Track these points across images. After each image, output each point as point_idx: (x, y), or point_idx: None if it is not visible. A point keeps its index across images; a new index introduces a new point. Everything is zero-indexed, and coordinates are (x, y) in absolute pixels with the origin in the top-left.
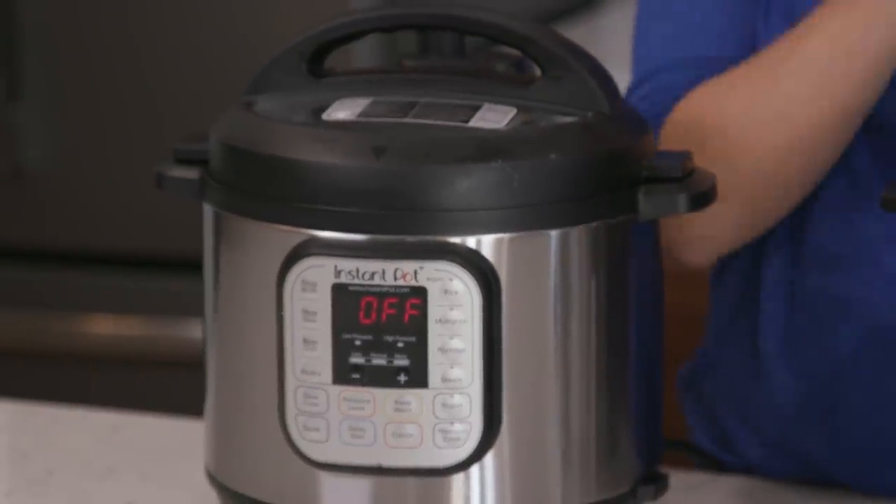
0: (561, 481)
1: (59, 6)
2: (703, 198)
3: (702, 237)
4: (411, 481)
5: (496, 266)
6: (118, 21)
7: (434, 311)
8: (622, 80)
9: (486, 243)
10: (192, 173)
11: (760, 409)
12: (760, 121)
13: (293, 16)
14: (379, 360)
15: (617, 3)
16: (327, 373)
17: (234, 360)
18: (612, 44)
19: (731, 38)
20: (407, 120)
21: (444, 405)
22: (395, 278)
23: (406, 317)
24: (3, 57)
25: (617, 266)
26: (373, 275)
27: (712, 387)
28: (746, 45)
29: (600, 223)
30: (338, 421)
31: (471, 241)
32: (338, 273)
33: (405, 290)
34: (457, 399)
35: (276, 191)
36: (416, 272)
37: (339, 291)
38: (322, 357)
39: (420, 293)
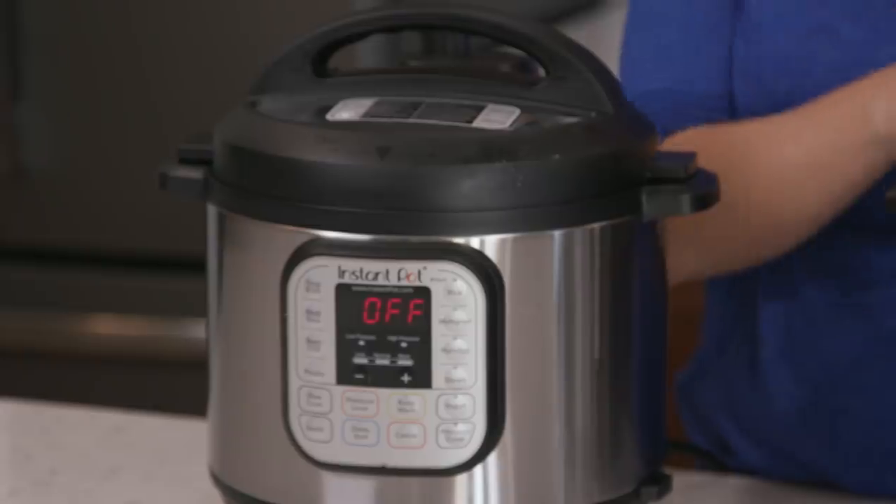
0: (564, 482)
1: (61, 6)
2: (706, 198)
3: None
4: (415, 481)
5: (500, 266)
6: (121, 21)
7: (437, 312)
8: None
9: (489, 244)
10: (195, 173)
11: (760, 415)
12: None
13: (297, 16)
14: (382, 361)
15: (620, 3)
16: (331, 373)
17: (237, 361)
18: (616, 44)
19: (707, 61)
20: (411, 120)
21: (448, 405)
22: (399, 279)
23: (409, 317)
24: (7, 57)
25: (620, 266)
26: (376, 275)
27: (710, 394)
28: (723, 63)
29: (604, 224)
30: (341, 421)
31: (474, 242)
32: (341, 273)
33: (409, 290)
34: (460, 399)
35: (280, 191)
36: (419, 272)
37: (343, 292)
38: (325, 357)
39: (424, 293)
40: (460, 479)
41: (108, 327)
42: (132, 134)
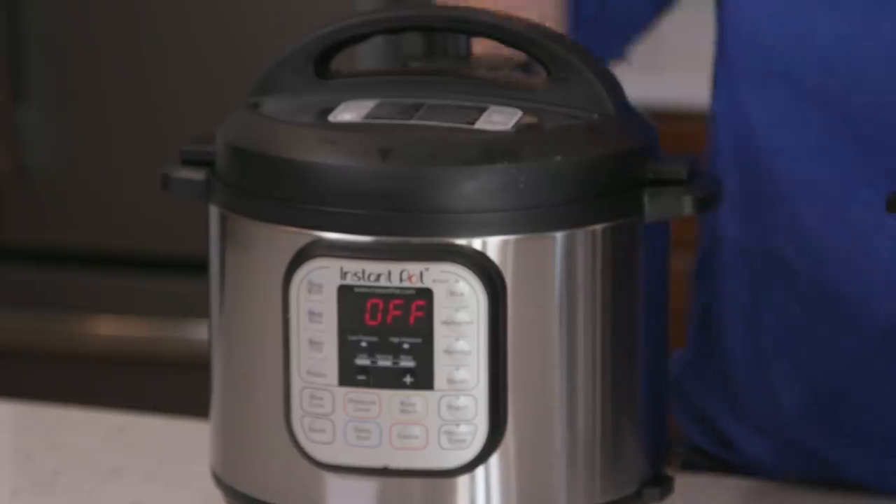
0: (566, 483)
1: (63, 7)
2: (708, 200)
3: None
4: (417, 483)
5: (502, 268)
6: (123, 22)
7: (440, 313)
8: (628, 81)
9: (491, 245)
10: (198, 174)
11: (761, 408)
12: None
13: (299, 17)
14: (384, 362)
15: None
16: (333, 374)
17: (239, 362)
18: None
19: None
20: (413, 121)
21: (450, 407)
22: (401, 280)
23: (412, 318)
24: (8, 57)
25: (622, 268)
26: (378, 276)
27: (704, 387)
28: None
29: (606, 225)
30: (343, 422)
31: (476, 243)
32: (344, 274)
33: (411, 291)
34: (462, 401)
35: (282, 192)
36: (421, 274)
37: (345, 293)
38: (328, 358)
39: (426, 295)
40: (462, 481)
41: (109, 328)
42: (133, 134)
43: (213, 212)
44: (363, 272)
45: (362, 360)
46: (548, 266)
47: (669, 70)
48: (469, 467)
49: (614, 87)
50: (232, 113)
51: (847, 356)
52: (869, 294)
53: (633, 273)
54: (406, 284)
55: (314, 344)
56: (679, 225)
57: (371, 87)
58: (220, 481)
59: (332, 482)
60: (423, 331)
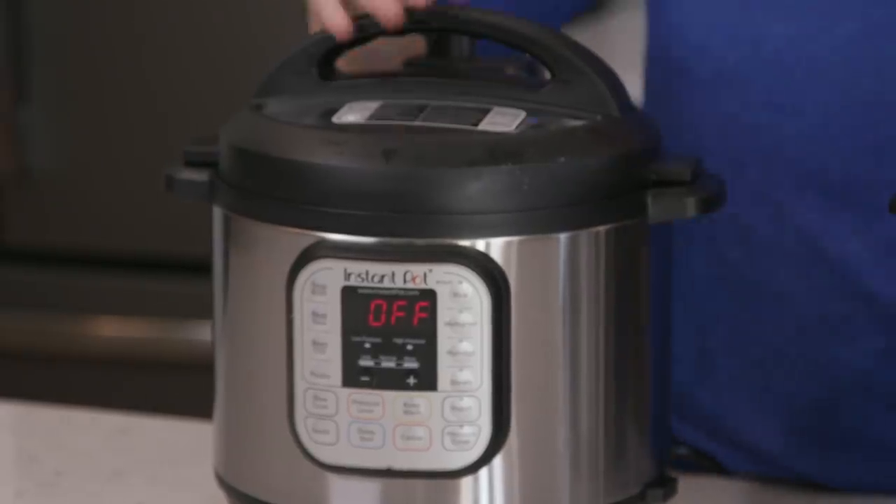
0: (570, 484)
1: (66, 9)
2: (711, 201)
3: None
4: (420, 484)
5: (505, 269)
6: (125, 23)
7: (443, 314)
8: (631, 82)
9: (495, 246)
10: (201, 175)
11: (708, 405)
12: None
13: (302, 18)
14: (388, 363)
15: (625, 5)
16: (336, 375)
17: (243, 363)
18: (621, 46)
19: None
20: (417, 123)
21: (453, 408)
22: (405, 281)
23: (415, 319)
24: (11, 59)
25: (626, 269)
26: (382, 277)
27: None
28: None
29: (609, 226)
30: (347, 423)
31: (480, 245)
32: (347, 276)
33: (414, 292)
34: (466, 402)
35: (285, 193)
36: (425, 275)
37: (349, 294)
38: (331, 360)
39: (429, 296)
40: (466, 482)
41: (112, 329)
42: (135, 135)
43: (217, 213)
44: (367, 273)
45: (366, 362)
46: (551, 267)
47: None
48: (472, 468)
49: (618, 89)
50: (235, 114)
51: (792, 355)
52: (817, 295)
53: (637, 274)
54: (410, 285)
55: (318, 345)
56: None
57: (374, 88)
58: (223, 482)
59: (336, 483)
60: (427, 332)
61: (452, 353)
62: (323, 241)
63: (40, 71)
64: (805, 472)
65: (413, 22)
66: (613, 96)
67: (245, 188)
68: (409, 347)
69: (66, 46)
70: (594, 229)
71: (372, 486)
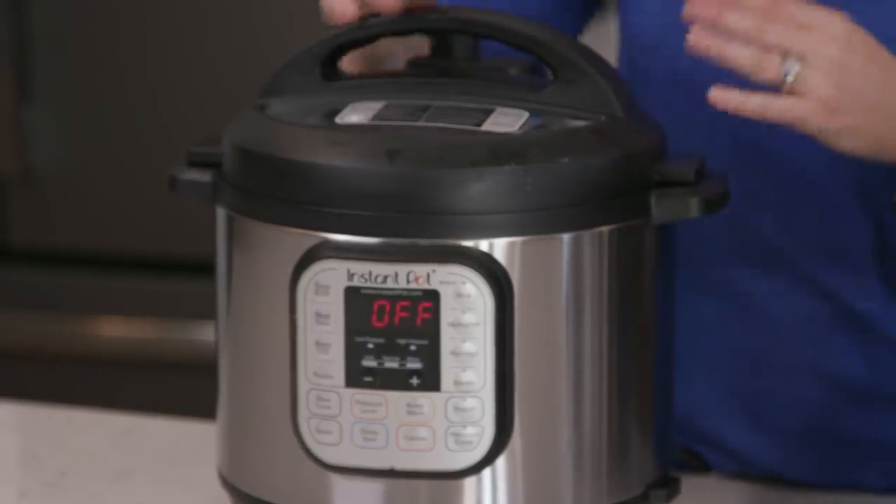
0: (573, 485)
1: (69, 9)
2: (715, 202)
3: None
4: (423, 484)
5: (508, 269)
6: (129, 23)
7: (446, 315)
8: None
9: (498, 247)
10: (205, 176)
11: (681, 406)
12: None
13: (306, 19)
14: (391, 364)
15: None
16: (340, 376)
17: (246, 363)
18: None
19: None
20: (420, 123)
21: (457, 408)
22: (408, 281)
23: (419, 320)
24: (15, 59)
25: (629, 269)
26: (385, 278)
27: None
28: None
29: (612, 227)
30: (350, 424)
31: (483, 245)
32: (351, 276)
33: (418, 293)
34: (469, 402)
35: (289, 194)
36: (428, 275)
37: (352, 294)
38: (335, 360)
39: (433, 296)
40: (469, 482)
41: (115, 329)
42: (139, 136)
43: (220, 213)
44: (370, 274)
45: (369, 362)
46: (554, 268)
47: None
48: (476, 469)
49: (621, 89)
50: (239, 114)
51: (757, 356)
52: (779, 296)
53: (640, 274)
54: (413, 286)
55: (321, 345)
56: None
57: (378, 88)
58: (226, 482)
59: (339, 483)
60: (430, 332)
61: (456, 353)
62: (326, 242)
63: (44, 72)
64: (777, 470)
65: (416, 22)
66: (617, 97)
67: (248, 188)
68: (413, 348)
69: (69, 47)
70: (597, 229)
71: (375, 487)
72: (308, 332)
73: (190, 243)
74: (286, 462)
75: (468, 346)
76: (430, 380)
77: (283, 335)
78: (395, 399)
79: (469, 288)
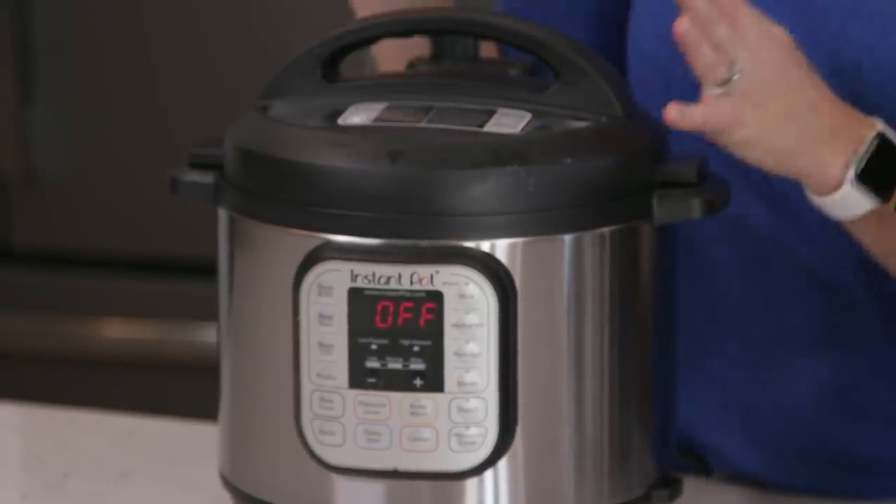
0: (575, 485)
1: (71, 10)
2: (717, 202)
3: None
4: (426, 485)
5: (511, 270)
6: (131, 25)
7: (450, 316)
8: None
9: (500, 247)
10: (206, 177)
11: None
12: None
13: (308, 20)
14: (395, 364)
15: None
16: (343, 377)
17: (248, 364)
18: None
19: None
20: (422, 124)
21: (460, 409)
22: (412, 282)
23: (422, 321)
24: (17, 60)
25: (631, 270)
26: (389, 279)
27: None
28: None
29: (614, 228)
30: (353, 425)
31: (485, 246)
32: (354, 277)
33: (421, 294)
34: (472, 403)
35: (291, 195)
36: (432, 276)
37: (355, 295)
38: (338, 361)
39: (436, 297)
40: (471, 483)
41: (118, 331)
42: (142, 137)
43: (222, 214)
44: (373, 275)
45: (372, 363)
46: (556, 268)
47: None
48: (479, 470)
49: (622, 90)
50: (241, 116)
51: (748, 367)
52: (770, 306)
53: (642, 275)
54: (416, 287)
55: (324, 346)
56: None
57: (380, 90)
58: (228, 483)
59: (342, 484)
60: (434, 333)
61: (459, 354)
62: (329, 243)
63: (46, 73)
64: (773, 481)
65: (417, 23)
66: (618, 98)
67: (250, 190)
68: (416, 349)
69: (71, 48)
70: (599, 230)
71: (378, 488)
72: (311, 333)
73: (191, 244)
74: (289, 463)
75: (471, 347)
76: (433, 380)
77: (286, 336)
78: (399, 400)
79: (472, 289)
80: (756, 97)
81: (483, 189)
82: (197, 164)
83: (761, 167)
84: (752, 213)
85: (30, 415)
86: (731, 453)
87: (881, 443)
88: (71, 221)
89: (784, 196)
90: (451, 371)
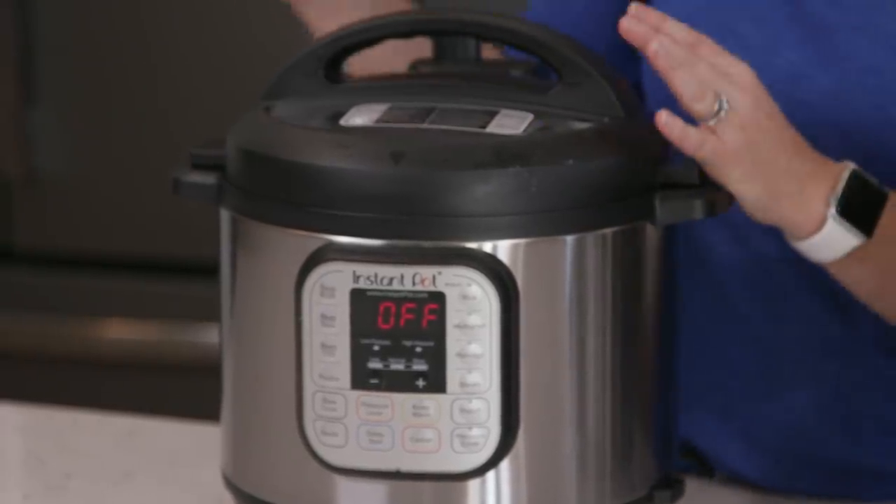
0: (577, 486)
1: (73, 11)
2: (719, 204)
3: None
4: (428, 486)
5: (513, 271)
6: (133, 26)
7: (452, 317)
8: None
9: (502, 248)
10: (209, 178)
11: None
12: None
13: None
14: (397, 365)
15: None
16: (345, 378)
17: (251, 365)
18: None
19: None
20: (425, 125)
21: (462, 410)
22: (414, 283)
23: (424, 322)
24: (19, 61)
25: (633, 271)
26: (391, 280)
27: None
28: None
29: (616, 229)
30: (356, 425)
31: (487, 247)
32: (356, 278)
33: (423, 295)
34: (475, 404)
35: (294, 196)
36: (434, 277)
37: (358, 296)
38: (340, 362)
39: (438, 298)
40: (473, 484)
41: (119, 331)
42: (144, 138)
43: (224, 215)
44: (376, 276)
45: (375, 364)
46: (558, 269)
47: None
48: (481, 471)
49: (625, 91)
50: (243, 116)
51: (752, 376)
52: (773, 318)
53: (644, 276)
54: (419, 288)
55: (327, 347)
56: None
57: (382, 91)
58: (230, 484)
59: (344, 485)
60: (436, 334)
61: (461, 355)
62: (331, 244)
63: (48, 74)
64: (768, 485)
65: (419, 24)
66: (620, 99)
67: (253, 191)
68: (418, 350)
69: (73, 49)
70: (601, 231)
71: (380, 488)
72: (313, 334)
73: (193, 245)
74: (291, 464)
75: (474, 348)
76: (435, 381)
77: (288, 337)
78: (401, 401)
79: (475, 290)
80: (751, 133)
81: (485, 190)
82: (199, 165)
83: (754, 211)
84: (756, 224)
85: (31, 415)
86: (731, 460)
87: (881, 452)
88: (72, 222)
89: None
90: (454, 372)
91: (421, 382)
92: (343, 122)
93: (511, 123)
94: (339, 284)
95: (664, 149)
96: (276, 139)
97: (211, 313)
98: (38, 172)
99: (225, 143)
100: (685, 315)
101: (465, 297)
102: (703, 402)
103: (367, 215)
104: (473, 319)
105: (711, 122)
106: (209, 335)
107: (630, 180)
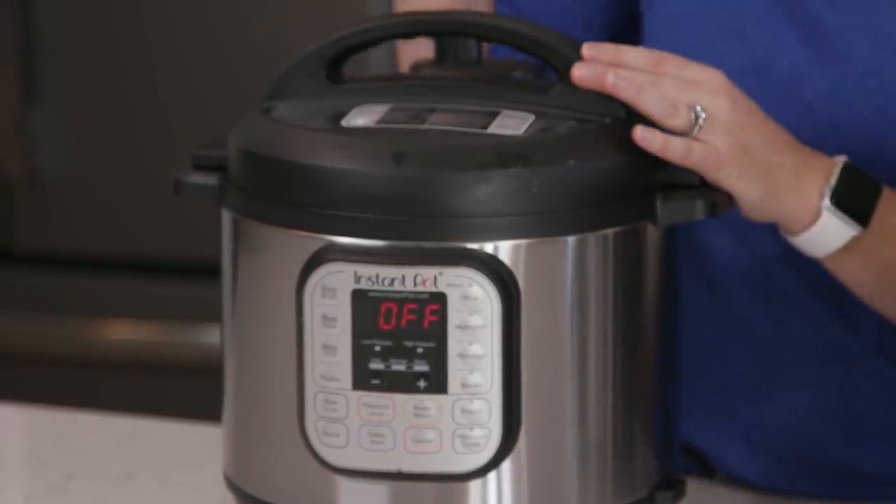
0: (578, 486)
1: (74, 12)
2: (720, 204)
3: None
4: (429, 486)
5: (514, 272)
6: (134, 27)
7: (454, 317)
8: None
9: (504, 249)
10: (210, 179)
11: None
12: None
13: (311, 22)
14: (398, 366)
15: None
16: (347, 378)
17: (252, 366)
18: None
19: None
20: (426, 126)
21: (464, 411)
22: (415, 284)
23: (426, 322)
24: (20, 62)
25: (634, 272)
26: (392, 281)
27: None
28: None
29: (618, 229)
30: (357, 426)
31: (489, 247)
32: (358, 279)
33: (425, 295)
34: (476, 405)
35: (295, 197)
36: (435, 278)
37: (359, 297)
38: (342, 363)
39: (440, 299)
40: (475, 485)
41: (121, 332)
42: (145, 139)
43: (226, 216)
44: (377, 276)
45: (376, 365)
46: (560, 270)
47: None
48: (482, 471)
49: None
50: (244, 117)
51: (754, 380)
52: (775, 322)
53: (645, 277)
54: (420, 289)
55: (328, 348)
56: None
57: (383, 91)
58: (232, 485)
59: (345, 486)
60: (437, 335)
61: (463, 355)
62: (333, 245)
63: (49, 75)
64: (769, 488)
65: (420, 25)
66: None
67: (254, 191)
68: (420, 350)
69: (75, 50)
70: (603, 232)
71: (381, 489)
72: (315, 334)
73: (194, 246)
74: (292, 464)
75: (475, 349)
76: (437, 382)
77: (289, 338)
78: (403, 401)
79: (476, 290)
80: (737, 133)
81: (487, 190)
82: (200, 166)
83: (752, 208)
84: (759, 227)
85: (33, 416)
86: (731, 462)
87: (882, 458)
88: (73, 223)
89: None
90: (455, 372)
91: (422, 383)
92: (344, 122)
93: (512, 124)
94: (341, 285)
95: None
96: (278, 140)
97: (212, 314)
98: (38, 173)
99: (226, 143)
100: (686, 317)
101: (466, 297)
102: (704, 404)
103: (369, 216)
104: (475, 320)
105: (694, 133)
106: (210, 336)
107: (631, 181)
